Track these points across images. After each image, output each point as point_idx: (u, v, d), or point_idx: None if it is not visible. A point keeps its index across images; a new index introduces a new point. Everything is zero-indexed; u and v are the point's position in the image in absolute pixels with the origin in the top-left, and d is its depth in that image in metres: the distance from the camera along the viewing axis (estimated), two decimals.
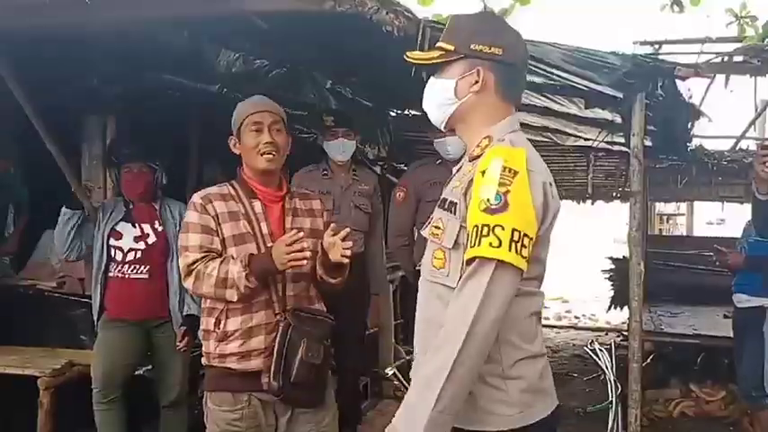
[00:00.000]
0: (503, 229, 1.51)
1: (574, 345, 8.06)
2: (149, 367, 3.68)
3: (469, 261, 1.55)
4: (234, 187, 2.38)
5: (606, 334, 8.75)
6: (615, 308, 7.58)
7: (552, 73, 3.33)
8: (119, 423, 3.45)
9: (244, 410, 2.28)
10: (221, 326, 2.28)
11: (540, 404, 1.69)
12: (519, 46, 1.76)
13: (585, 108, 3.92)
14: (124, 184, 3.57)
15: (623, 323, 8.67)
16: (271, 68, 4.17)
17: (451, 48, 1.72)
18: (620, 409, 4.19)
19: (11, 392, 3.66)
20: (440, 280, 1.68)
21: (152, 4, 2.77)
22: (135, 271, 3.47)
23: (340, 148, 3.90)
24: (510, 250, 1.50)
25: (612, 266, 7.61)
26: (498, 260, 1.50)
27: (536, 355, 1.70)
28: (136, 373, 3.70)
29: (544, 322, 10.19)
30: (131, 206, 3.55)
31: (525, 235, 1.53)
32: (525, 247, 1.53)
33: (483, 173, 1.58)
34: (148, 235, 3.51)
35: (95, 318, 3.54)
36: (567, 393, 5.80)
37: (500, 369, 1.64)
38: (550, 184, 1.66)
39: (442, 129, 1.85)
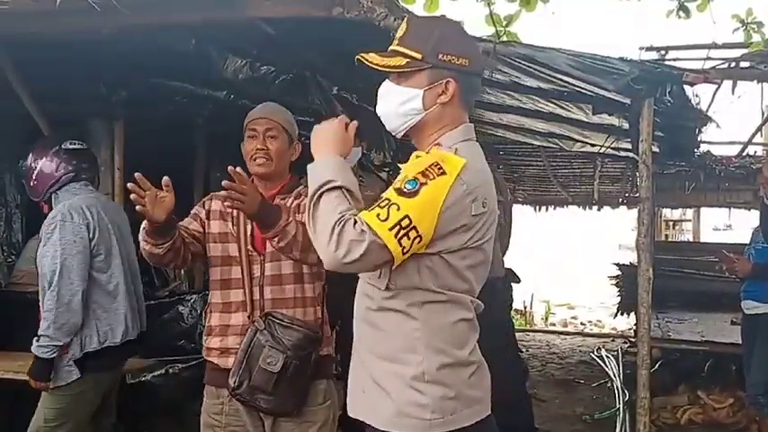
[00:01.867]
0: (398, 209, 1.51)
1: (580, 351, 8.03)
2: None
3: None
4: None
5: (613, 340, 8.72)
6: (622, 314, 7.55)
7: (559, 78, 3.33)
8: None
9: (224, 406, 2.37)
10: (208, 320, 2.41)
11: (467, 411, 1.66)
12: (480, 55, 1.77)
13: (593, 114, 3.90)
14: None
15: (629, 329, 8.65)
16: (277, 74, 4.16)
17: (418, 56, 1.67)
18: (627, 415, 4.17)
19: (17, 398, 3.65)
20: (371, 280, 1.69)
21: (159, 11, 2.79)
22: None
23: None
24: (390, 230, 1.49)
25: (619, 273, 7.58)
26: (377, 233, 1.49)
27: (464, 362, 1.67)
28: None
29: (550, 328, 10.22)
30: None
31: (414, 228, 1.51)
32: (408, 239, 1.51)
33: (417, 157, 1.61)
34: None
35: None
36: (574, 400, 5.78)
37: (422, 373, 1.61)
38: (482, 204, 1.61)
39: (398, 137, 1.80)
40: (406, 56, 1.68)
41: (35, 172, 2.96)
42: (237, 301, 2.35)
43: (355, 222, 1.51)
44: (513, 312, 4.25)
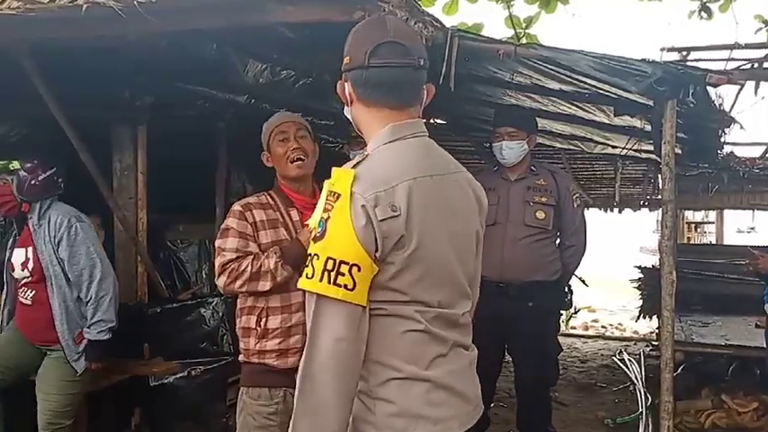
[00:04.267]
0: (318, 258, 1.45)
1: (602, 355, 7.96)
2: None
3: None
4: (272, 196, 2.52)
5: (635, 344, 8.64)
6: (644, 317, 7.47)
7: (580, 80, 3.31)
8: None
9: (279, 405, 2.40)
10: (262, 324, 2.41)
11: (421, 430, 1.54)
12: (365, 44, 1.58)
13: (615, 116, 3.88)
14: None
15: (651, 333, 8.55)
16: (297, 78, 4.20)
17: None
18: (650, 420, 4.13)
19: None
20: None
21: (182, 17, 2.81)
22: (23, 295, 3.28)
23: None
24: (321, 281, 1.43)
25: (641, 276, 7.50)
26: (317, 294, 1.45)
27: (414, 377, 1.55)
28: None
29: (572, 332, 10.08)
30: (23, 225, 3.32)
31: (343, 262, 1.43)
32: (343, 275, 1.43)
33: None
34: (29, 260, 3.24)
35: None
36: (596, 404, 5.74)
37: (368, 387, 1.54)
38: (390, 208, 1.48)
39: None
40: None
41: (41, 177, 3.24)
42: (298, 302, 2.38)
43: (309, 306, 1.48)
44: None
